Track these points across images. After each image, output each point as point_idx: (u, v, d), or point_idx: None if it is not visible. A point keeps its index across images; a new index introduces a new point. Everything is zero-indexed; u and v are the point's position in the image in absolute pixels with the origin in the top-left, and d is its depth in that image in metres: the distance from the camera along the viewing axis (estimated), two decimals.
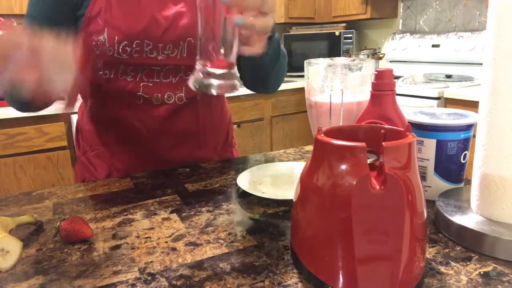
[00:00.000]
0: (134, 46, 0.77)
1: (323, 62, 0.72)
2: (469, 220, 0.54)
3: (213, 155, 0.96)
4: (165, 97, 0.84)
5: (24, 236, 0.58)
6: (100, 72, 0.81)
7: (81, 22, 0.77)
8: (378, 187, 0.39)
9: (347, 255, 0.40)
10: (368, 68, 0.70)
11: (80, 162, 0.94)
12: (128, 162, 0.89)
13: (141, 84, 0.82)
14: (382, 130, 0.47)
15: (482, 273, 0.46)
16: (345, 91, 0.70)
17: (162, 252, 0.53)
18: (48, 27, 0.71)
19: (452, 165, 0.64)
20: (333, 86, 0.70)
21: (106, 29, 0.75)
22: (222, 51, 0.53)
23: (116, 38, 0.75)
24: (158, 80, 0.82)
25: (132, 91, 0.82)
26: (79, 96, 0.68)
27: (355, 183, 0.39)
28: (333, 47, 3.05)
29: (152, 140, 0.86)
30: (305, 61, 0.73)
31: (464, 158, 0.65)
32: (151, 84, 0.82)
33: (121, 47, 0.76)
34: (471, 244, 0.52)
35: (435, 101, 2.09)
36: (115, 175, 0.88)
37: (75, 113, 2.13)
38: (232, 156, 1.03)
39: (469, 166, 0.62)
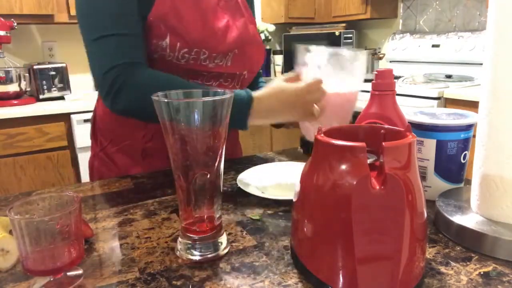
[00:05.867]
0: (192, 54, 0.79)
1: (317, 50, 0.73)
2: (469, 220, 0.54)
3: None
4: None
5: None
6: None
7: (143, 23, 0.77)
8: (378, 187, 0.39)
9: (347, 255, 0.40)
10: (360, 59, 0.70)
11: (98, 157, 0.93)
12: (159, 157, 0.88)
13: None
14: (382, 130, 0.47)
15: (482, 273, 0.46)
16: (335, 81, 0.72)
17: (162, 252, 0.53)
18: (133, 17, 0.75)
19: (452, 165, 0.64)
20: (323, 74, 0.72)
21: (169, 35, 0.77)
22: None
23: (178, 45, 0.77)
24: (200, 82, 0.84)
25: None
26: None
27: (355, 183, 0.39)
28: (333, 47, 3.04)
29: None
30: (298, 46, 0.74)
31: (464, 158, 0.65)
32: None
33: (181, 53, 0.78)
34: (471, 244, 0.52)
35: (435, 101, 2.09)
36: (137, 171, 0.87)
37: (75, 113, 2.13)
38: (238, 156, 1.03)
39: (469, 166, 0.62)
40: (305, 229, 0.45)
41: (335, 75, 0.73)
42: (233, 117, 0.53)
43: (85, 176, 2.19)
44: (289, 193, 0.67)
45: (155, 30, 0.77)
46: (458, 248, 0.52)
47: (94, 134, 0.96)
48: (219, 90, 0.50)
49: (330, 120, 0.74)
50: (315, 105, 0.73)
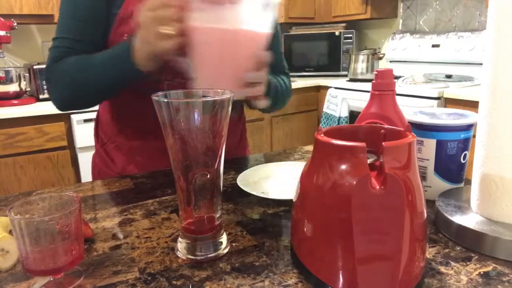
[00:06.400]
0: None
1: None
2: (469, 220, 0.54)
3: (227, 156, 0.96)
4: None
5: None
6: None
7: (112, 21, 0.79)
8: (378, 187, 0.39)
9: (347, 255, 0.40)
10: None
11: (98, 154, 0.95)
12: (148, 157, 0.88)
13: (166, 82, 0.82)
14: (382, 130, 0.47)
15: (482, 273, 0.46)
16: (225, 14, 0.56)
17: (162, 252, 0.53)
18: (85, 24, 0.79)
19: (452, 165, 0.64)
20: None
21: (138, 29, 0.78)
22: None
23: None
24: (183, 80, 0.79)
25: (155, 88, 0.81)
26: None
27: (355, 183, 0.39)
28: (333, 47, 3.05)
29: None
30: None
31: (464, 158, 0.65)
32: (175, 84, 0.83)
33: None
34: (471, 244, 0.52)
35: (435, 101, 2.09)
36: (132, 170, 0.88)
37: (75, 113, 2.13)
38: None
39: (469, 166, 0.62)
40: (305, 229, 0.45)
41: (229, 6, 0.56)
42: (124, 69, 0.60)
43: (85, 176, 2.19)
44: (289, 193, 0.67)
45: (124, 27, 0.78)
46: (458, 248, 0.52)
47: (96, 131, 0.98)
48: (219, 90, 0.50)
49: (214, 65, 0.60)
50: (164, 27, 0.60)
